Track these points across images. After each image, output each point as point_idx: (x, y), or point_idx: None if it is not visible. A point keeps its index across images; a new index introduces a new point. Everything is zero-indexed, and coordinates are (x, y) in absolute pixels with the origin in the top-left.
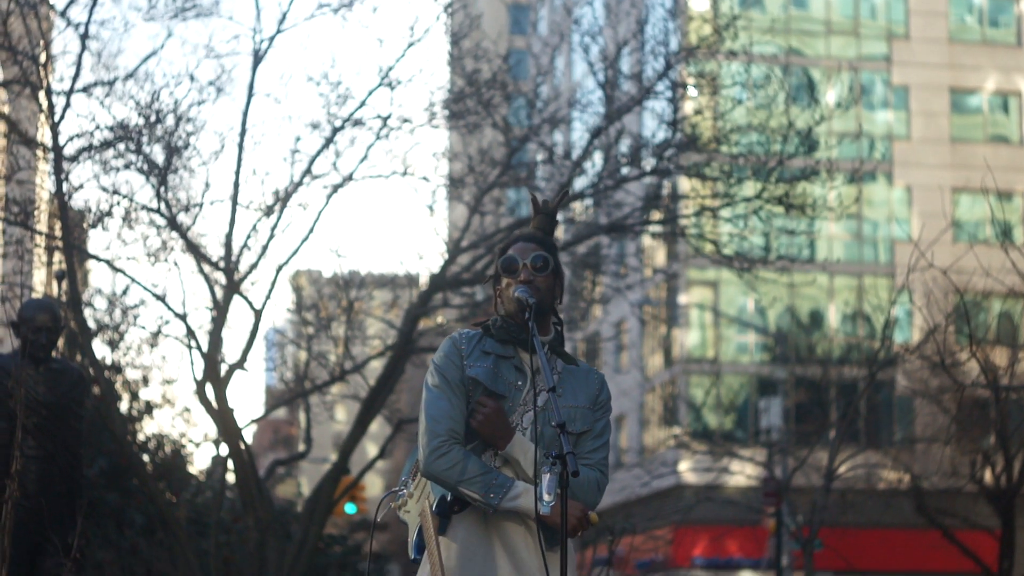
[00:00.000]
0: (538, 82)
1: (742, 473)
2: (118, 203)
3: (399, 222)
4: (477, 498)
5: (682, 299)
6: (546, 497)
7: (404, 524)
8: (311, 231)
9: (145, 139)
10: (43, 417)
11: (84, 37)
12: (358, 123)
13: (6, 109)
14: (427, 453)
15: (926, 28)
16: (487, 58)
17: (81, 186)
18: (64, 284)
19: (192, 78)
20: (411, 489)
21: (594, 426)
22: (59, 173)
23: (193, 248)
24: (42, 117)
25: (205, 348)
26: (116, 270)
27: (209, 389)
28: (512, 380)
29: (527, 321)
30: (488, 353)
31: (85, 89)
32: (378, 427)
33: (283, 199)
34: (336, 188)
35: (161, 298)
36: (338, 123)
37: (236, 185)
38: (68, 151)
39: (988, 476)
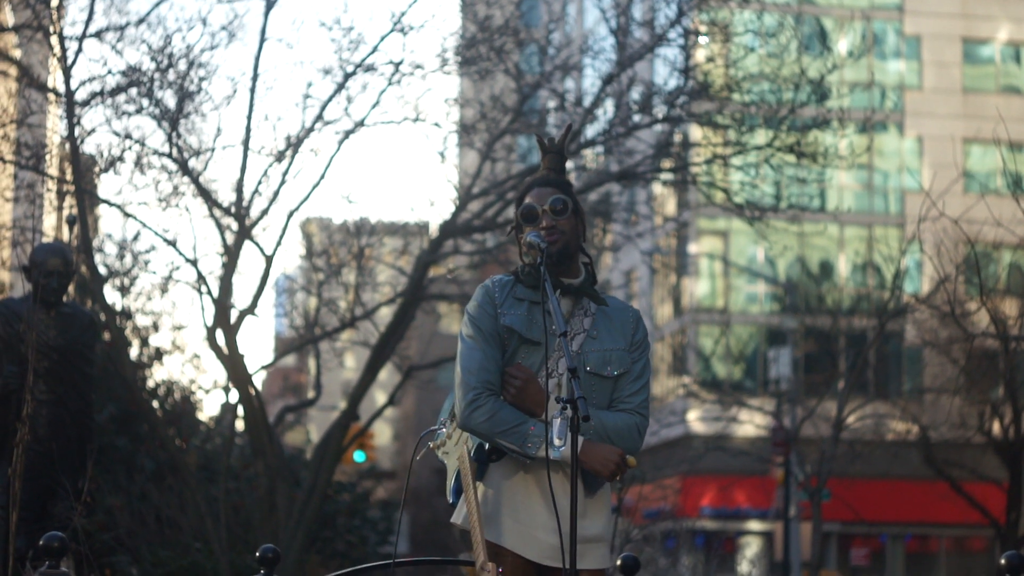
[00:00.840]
0: (550, 29)
1: (751, 423)
2: (129, 148)
3: (410, 169)
4: (514, 449)
5: (692, 248)
6: (556, 441)
7: (414, 473)
8: (322, 177)
9: (157, 84)
10: (54, 361)
11: None
12: (370, 69)
13: (18, 54)
14: (463, 407)
15: None
16: (499, 4)
17: (93, 131)
18: (75, 229)
19: (204, 23)
20: (449, 430)
21: (632, 368)
22: (71, 118)
23: (204, 193)
24: (54, 62)
25: (216, 294)
26: (127, 215)
27: (219, 335)
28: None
29: (539, 266)
30: (521, 300)
31: (97, 34)
32: (387, 375)
33: (295, 145)
34: (348, 134)
35: (172, 243)
36: (350, 69)
37: (248, 130)
38: (80, 96)
39: (996, 427)
